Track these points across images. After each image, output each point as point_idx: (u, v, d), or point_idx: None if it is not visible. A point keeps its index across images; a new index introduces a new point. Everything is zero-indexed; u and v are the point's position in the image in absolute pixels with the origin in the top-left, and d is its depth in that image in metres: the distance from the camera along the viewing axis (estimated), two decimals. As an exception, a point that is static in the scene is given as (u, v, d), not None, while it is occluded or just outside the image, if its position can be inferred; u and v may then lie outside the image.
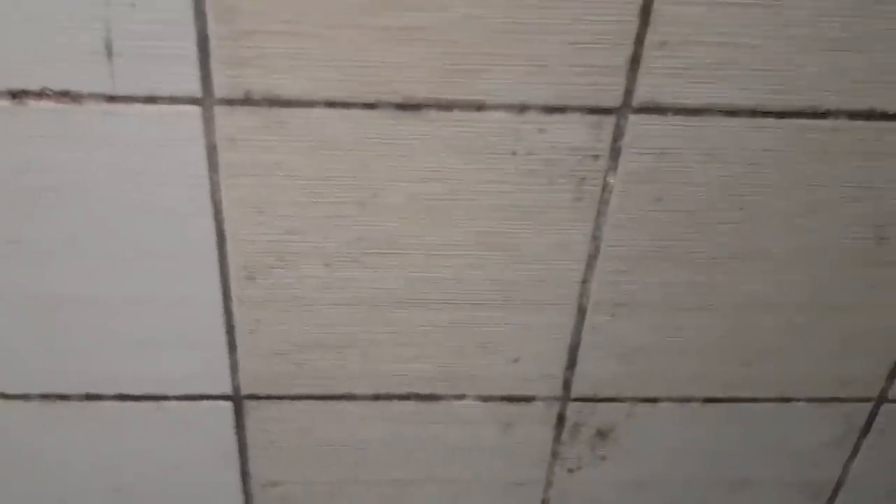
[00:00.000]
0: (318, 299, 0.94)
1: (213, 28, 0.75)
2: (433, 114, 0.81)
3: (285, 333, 0.97)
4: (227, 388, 1.01)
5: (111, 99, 0.78)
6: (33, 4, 0.73)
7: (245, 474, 1.10)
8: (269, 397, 1.03)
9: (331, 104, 0.80)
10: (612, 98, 0.82)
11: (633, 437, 1.10)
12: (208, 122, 0.80)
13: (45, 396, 1.00)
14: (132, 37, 0.75)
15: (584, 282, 0.95)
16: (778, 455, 1.14)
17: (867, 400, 1.09)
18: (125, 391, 1.01)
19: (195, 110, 0.79)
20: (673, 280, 0.95)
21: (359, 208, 0.87)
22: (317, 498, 1.13)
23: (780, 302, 0.97)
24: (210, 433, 1.05)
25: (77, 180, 0.83)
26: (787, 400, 1.08)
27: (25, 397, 1.00)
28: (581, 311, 0.97)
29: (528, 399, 1.05)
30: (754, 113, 0.83)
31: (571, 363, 1.02)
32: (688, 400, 1.06)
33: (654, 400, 1.06)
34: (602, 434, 1.09)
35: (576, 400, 1.06)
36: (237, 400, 1.02)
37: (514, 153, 0.85)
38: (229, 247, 0.89)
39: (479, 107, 0.81)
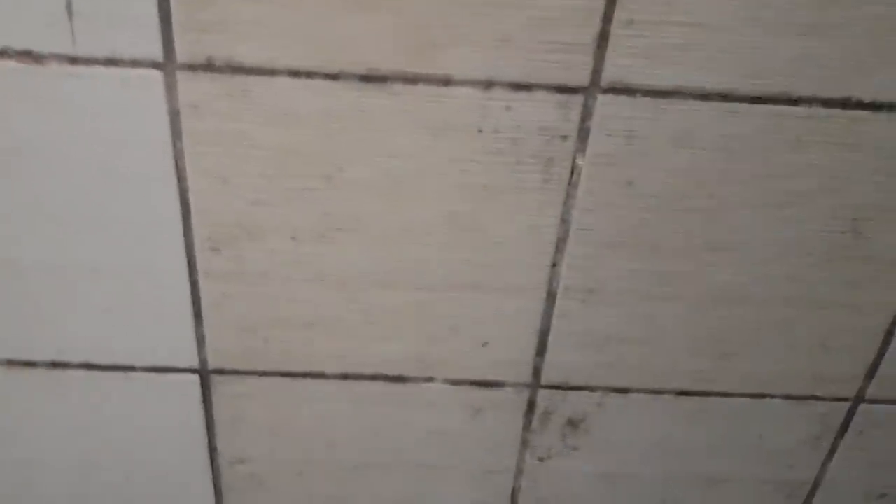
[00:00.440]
0: (284, 275, 0.93)
1: (174, -9, 0.74)
2: (398, 87, 0.80)
3: (252, 308, 0.96)
4: (193, 362, 1.01)
5: (73, 60, 0.78)
6: (-7, -39, 0.73)
7: (213, 450, 1.09)
8: (236, 372, 1.02)
9: (294, 73, 0.79)
10: (580, 77, 0.80)
11: (604, 428, 1.08)
12: (170, 87, 0.79)
13: (10, 362, 1.00)
14: (93, -3, 0.75)
15: (554, 266, 0.93)
16: (753, 453, 1.13)
17: (845, 399, 1.07)
18: (92, 360, 1.00)
19: (157, 75, 0.79)
20: (643, 268, 0.94)
21: (325, 182, 0.87)
22: (285, 477, 1.12)
23: (753, 295, 0.96)
24: (177, 407, 1.05)
25: (39, 143, 0.83)
26: (763, 396, 1.06)
27: (-8, 362, 1.00)
28: (551, 297, 0.96)
29: (497, 385, 1.03)
30: (726, 97, 0.82)
31: (541, 349, 1.00)
32: (660, 392, 1.05)
33: (625, 391, 1.05)
34: (573, 423, 1.08)
35: (546, 387, 1.04)
36: (204, 374, 1.02)
37: (480, 130, 0.83)
38: (194, 217, 0.89)
39: (446, 81, 0.80)
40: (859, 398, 1.07)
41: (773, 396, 1.06)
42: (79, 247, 0.90)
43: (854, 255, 0.93)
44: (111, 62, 0.78)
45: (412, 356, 1.01)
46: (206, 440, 1.08)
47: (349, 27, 0.77)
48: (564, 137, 0.84)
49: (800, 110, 0.83)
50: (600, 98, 0.82)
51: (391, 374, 1.02)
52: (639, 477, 1.14)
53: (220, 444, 1.09)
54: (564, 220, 0.90)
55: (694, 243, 0.92)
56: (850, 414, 1.09)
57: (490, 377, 1.03)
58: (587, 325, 0.98)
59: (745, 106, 0.82)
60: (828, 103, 0.83)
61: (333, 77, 0.79)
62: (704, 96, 0.82)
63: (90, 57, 0.78)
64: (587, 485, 1.15)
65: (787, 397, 1.06)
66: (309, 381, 1.03)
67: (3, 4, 0.75)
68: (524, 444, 1.10)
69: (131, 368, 1.01)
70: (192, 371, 1.01)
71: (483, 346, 1.00)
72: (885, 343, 1.02)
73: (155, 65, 0.78)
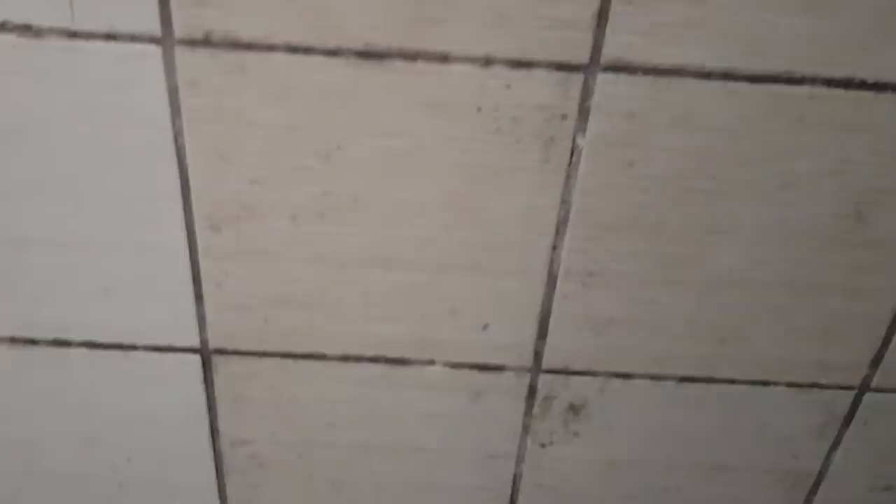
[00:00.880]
0: (284, 254, 0.93)
1: (171, -36, 0.75)
2: (397, 64, 0.80)
3: (252, 288, 0.96)
4: (194, 341, 1.01)
5: (72, 35, 0.78)
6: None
7: (214, 431, 1.10)
8: (236, 353, 1.02)
9: (292, 49, 0.79)
10: (580, 54, 0.80)
11: (606, 413, 1.08)
12: (169, 63, 0.79)
13: (13, 339, 1.00)
14: (91, -29, 0.75)
15: (555, 248, 0.93)
16: (756, 441, 1.12)
17: (849, 388, 1.06)
18: (94, 338, 1.01)
19: (155, 50, 0.79)
20: (644, 250, 0.93)
21: (323, 161, 0.86)
22: (286, 458, 1.12)
23: (755, 279, 0.95)
24: (179, 387, 1.05)
25: (39, 119, 0.83)
26: (766, 383, 1.05)
27: (-5, 339, 1.01)
28: (551, 279, 0.95)
29: (497, 368, 1.03)
30: (727, 76, 0.81)
31: (542, 333, 1.00)
32: (662, 378, 1.04)
33: (627, 376, 1.04)
34: (574, 409, 1.07)
35: (547, 372, 1.04)
36: (205, 354, 1.02)
37: (479, 109, 0.83)
38: (194, 195, 0.89)
39: (444, 58, 0.80)
40: (864, 387, 1.06)
41: (776, 384, 1.05)
42: (79, 224, 0.90)
43: (858, 239, 0.92)
44: (110, 37, 0.78)
45: (412, 338, 1.00)
46: (208, 421, 1.08)
47: (346, 2, 0.77)
48: (564, 116, 0.84)
49: (802, 90, 0.82)
50: (601, 76, 0.81)
51: (391, 356, 1.02)
52: (640, 464, 1.14)
53: (222, 425, 1.09)
54: (565, 202, 0.89)
55: (695, 226, 0.91)
56: (856, 403, 1.08)
57: (490, 361, 1.03)
58: (588, 309, 0.98)
59: (746, 85, 0.82)
60: (831, 83, 0.82)
61: (331, 53, 0.79)
62: (706, 75, 0.81)
63: (89, 32, 0.78)
64: (589, 471, 1.14)
65: (791, 385, 1.05)
66: (309, 362, 1.03)
67: (2, -22, 0.75)
68: (525, 429, 1.09)
69: (132, 347, 1.01)
70: (194, 351, 1.01)
71: (483, 328, 1.00)
72: (891, 331, 1.00)
73: (153, 40, 0.78)
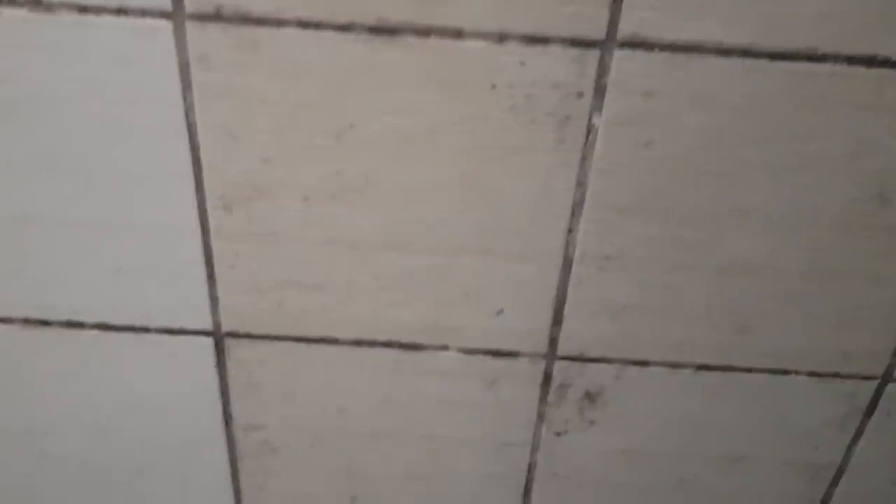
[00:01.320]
0: (296, 235, 0.93)
1: (182, -63, 0.74)
2: (410, 40, 0.79)
3: (264, 270, 0.95)
4: (207, 324, 1.00)
5: (82, 10, 0.78)
6: None
7: (227, 416, 1.09)
8: (249, 336, 1.01)
9: (303, 24, 0.78)
10: (596, 30, 0.78)
11: (622, 402, 1.06)
12: (180, 38, 0.79)
13: (26, 321, 1.00)
14: (102, -57, 0.75)
15: (570, 231, 0.91)
16: (776, 432, 1.10)
17: (871, 378, 1.04)
18: (107, 320, 1.00)
19: (166, 25, 0.78)
20: (660, 234, 0.91)
21: (335, 139, 0.85)
22: (298, 445, 1.11)
23: (774, 265, 0.93)
24: (191, 370, 1.04)
25: (50, 94, 0.82)
26: (785, 372, 1.03)
27: (7, 320, 1.00)
28: (567, 263, 0.94)
29: (512, 354, 1.02)
30: (746, 53, 0.79)
31: (558, 319, 0.99)
32: (680, 366, 1.02)
33: (644, 363, 1.02)
34: (590, 397, 1.06)
35: (562, 358, 1.02)
36: (218, 337, 1.01)
37: (494, 86, 0.82)
38: (206, 174, 0.88)
39: (457, 34, 0.79)
40: (887, 377, 1.04)
41: (796, 373, 1.03)
42: (90, 202, 0.90)
43: (879, 223, 0.90)
44: (121, 11, 0.78)
45: (426, 323, 0.99)
46: (221, 406, 1.08)
47: (359, -23, 0.76)
48: (580, 94, 0.82)
49: (823, 68, 0.80)
50: (617, 53, 0.80)
51: (404, 342, 1.01)
52: (657, 454, 1.12)
53: (235, 410, 1.08)
54: (580, 183, 0.88)
55: (713, 208, 0.89)
56: (878, 393, 1.06)
57: (505, 347, 1.01)
58: (604, 294, 0.96)
59: (765, 63, 0.80)
60: (853, 60, 0.80)
61: (343, 28, 0.78)
62: (724, 52, 0.79)
63: (99, 6, 0.77)
64: (604, 461, 1.12)
65: (812, 374, 1.03)
66: (322, 347, 1.02)
67: (13, -49, 0.75)
68: (540, 417, 1.08)
69: (145, 330, 1.01)
70: (206, 334, 1.01)
71: (498, 314, 0.98)
72: (914, 319, 0.98)
73: (164, 14, 0.78)
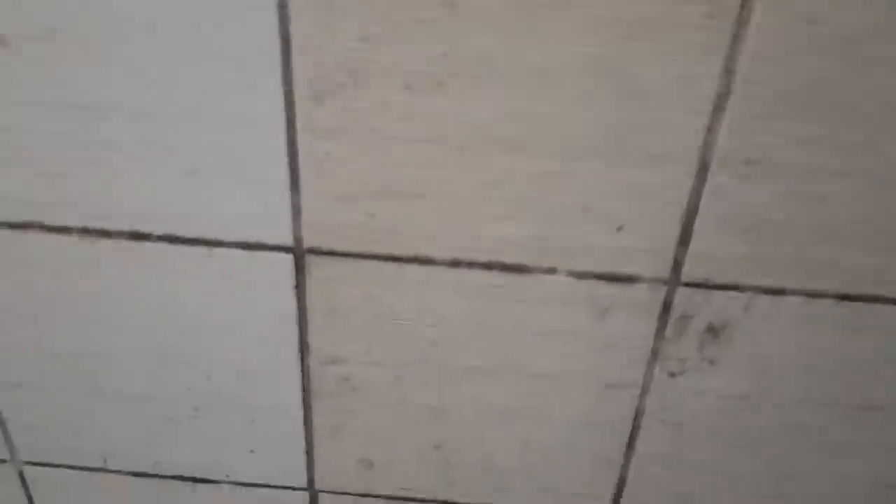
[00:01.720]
0: (395, 132, 0.81)
1: None
2: None
3: (356, 173, 0.84)
4: (287, 238, 0.89)
5: None
6: None
7: (304, 346, 0.98)
8: (333, 253, 0.90)
9: None
10: None
11: (749, 338, 0.93)
12: None
13: (85, 231, 0.89)
14: None
15: (709, 130, 0.79)
16: (921, 377, 0.97)
17: None
18: (174, 231, 0.89)
19: None
20: (818, 134, 0.79)
21: (446, 12, 0.73)
22: (380, 381, 1.00)
23: (951, 170, 0.80)
24: (267, 292, 0.93)
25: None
26: (942, 306, 0.90)
27: (65, 230, 0.90)
28: (702, 168, 0.81)
29: (629, 279, 0.89)
30: None
31: (685, 237, 0.86)
32: (819, 295, 0.90)
33: (778, 291, 0.90)
34: (713, 331, 0.93)
35: (686, 285, 0.90)
36: (298, 253, 0.90)
37: (638, -55, 0.69)
38: (295, 54, 0.77)
39: None
40: None
41: (954, 307, 0.90)
42: (164, 88, 0.79)
43: None
44: None
45: (534, 240, 0.87)
46: (298, 334, 0.96)
47: None
48: (740, -45, 0.69)
49: None
50: None
51: (508, 262, 0.89)
52: (782, 400, 0.99)
53: (313, 340, 0.97)
54: (728, 70, 0.75)
55: (881, 103, 0.76)
56: None
57: (622, 270, 0.89)
58: (742, 207, 0.84)
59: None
60: None
61: None
62: None
63: None
64: (720, 407, 1.00)
65: (971, 309, 0.90)
66: (414, 268, 0.90)
67: None
68: (654, 354, 0.96)
69: (218, 244, 0.90)
70: (286, 249, 0.90)
71: (618, 230, 0.86)
72: None
73: None
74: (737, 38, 0.74)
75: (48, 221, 0.89)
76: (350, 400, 1.02)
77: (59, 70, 0.79)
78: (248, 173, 0.84)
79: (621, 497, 1.07)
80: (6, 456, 1.14)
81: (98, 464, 1.13)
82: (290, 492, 1.13)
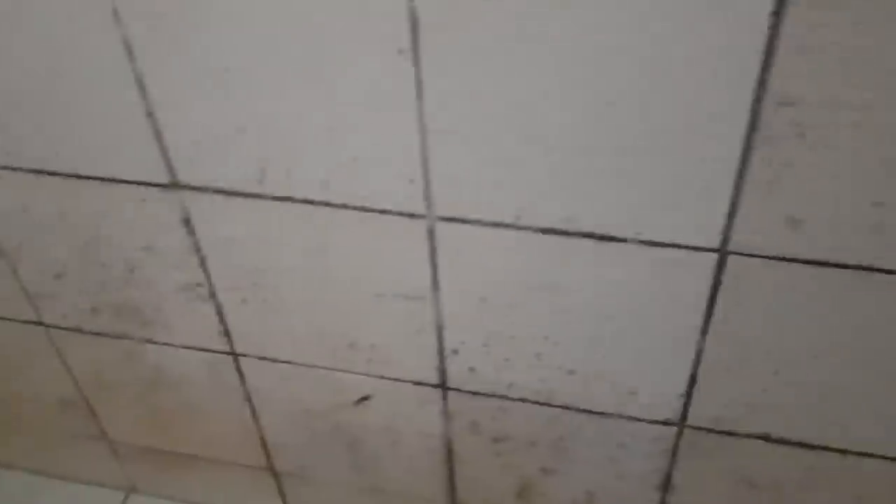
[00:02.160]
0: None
1: None
2: None
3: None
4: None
5: None
6: None
7: (761, 86, 0.96)
8: (825, -25, 0.86)
9: None
10: None
11: None
12: None
13: None
14: None
15: None
16: None
17: None
18: None
19: None
20: None
21: None
22: (836, 127, 0.97)
23: None
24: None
25: None
26: None
27: None
28: None
29: None
30: None
31: None
32: None
33: None
34: None
35: None
36: None
37: None
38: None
39: None
40: None
41: None
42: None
43: None
44: None
45: None
46: (759, 72, 0.95)
47: None
48: None
49: None
50: None
51: None
52: None
53: (771, 80, 0.95)
54: None
55: None
56: None
57: None
58: None
59: None
60: None
61: None
62: None
63: None
64: None
65: None
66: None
67: None
68: None
69: None
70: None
71: None
72: None
73: None
74: None
75: None
76: (794, 149, 1.00)
77: None
78: None
79: None
80: (423, 211, 1.19)
81: (511, 219, 1.17)
82: (698, 253, 1.13)
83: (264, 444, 1.72)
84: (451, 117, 1.07)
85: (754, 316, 1.17)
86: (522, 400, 1.42)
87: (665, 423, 1.36)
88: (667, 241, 1.12)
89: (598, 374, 1.32)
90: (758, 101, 0.96)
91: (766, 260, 1.10)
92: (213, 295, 1.43)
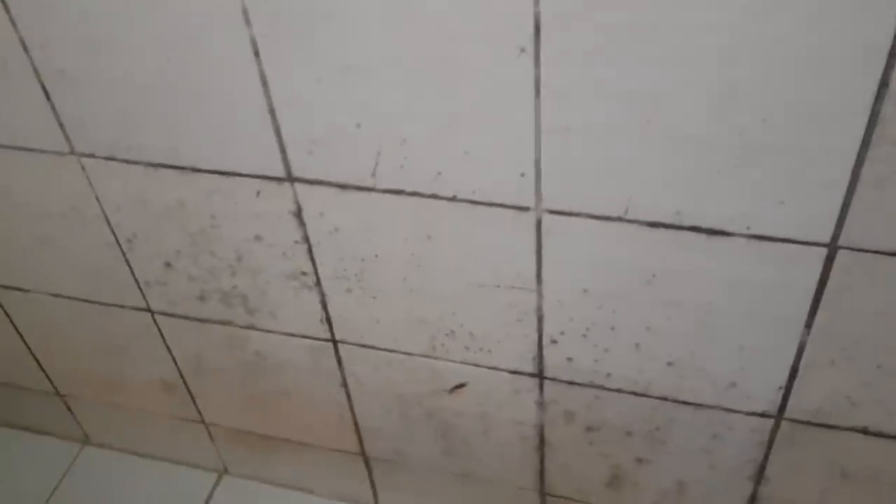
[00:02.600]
0: None
1: None
2: None
3: None
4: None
5: None
6: None
7: (884, 82, 0.97)
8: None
9: None
10: None
11: None
12: None
13: None
14: None
15: None
16: None
17: None
18: None
19: None
20: None
21: None
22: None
23: None
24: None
25: None
26: None
27: None
28: None
29: None
30: None
31: None
32: None
33: None
34: None
35: None
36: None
37: None
38: None
39: None
40: None
41: None
42: None
43: None
44: None
45: None
46: (882, 69, 0.96)
47: None
48: None
49: None
50: None
51: None
52: None
53: None
54: None
55: None
56: None
57: None
58: None
59: None
60: None
61: None
62: None
63: None
64: None
65: None
66: None
67: None
68: None
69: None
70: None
71: None
72: None
73: None
74: None
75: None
76: (914, 146, 1.01)
77: None
78: None
79: None
80: (532, 204, 1.22)
81: (619, 213, 1.19)
82: (808, 247, 1.14)
83: (357, 430, 1.77)
84: (567, 114, 1.09)
85: (860, 310, 1.18)
86: (619, 390, 1.44)
87: (762, 415, 1.38)
88: (777, 235, 1.14)
89: (697, 366, 1.34)
90: (879, 99, 0.97)
91: (876, 255, 1.11)
92: (317, 283, 1.47)
